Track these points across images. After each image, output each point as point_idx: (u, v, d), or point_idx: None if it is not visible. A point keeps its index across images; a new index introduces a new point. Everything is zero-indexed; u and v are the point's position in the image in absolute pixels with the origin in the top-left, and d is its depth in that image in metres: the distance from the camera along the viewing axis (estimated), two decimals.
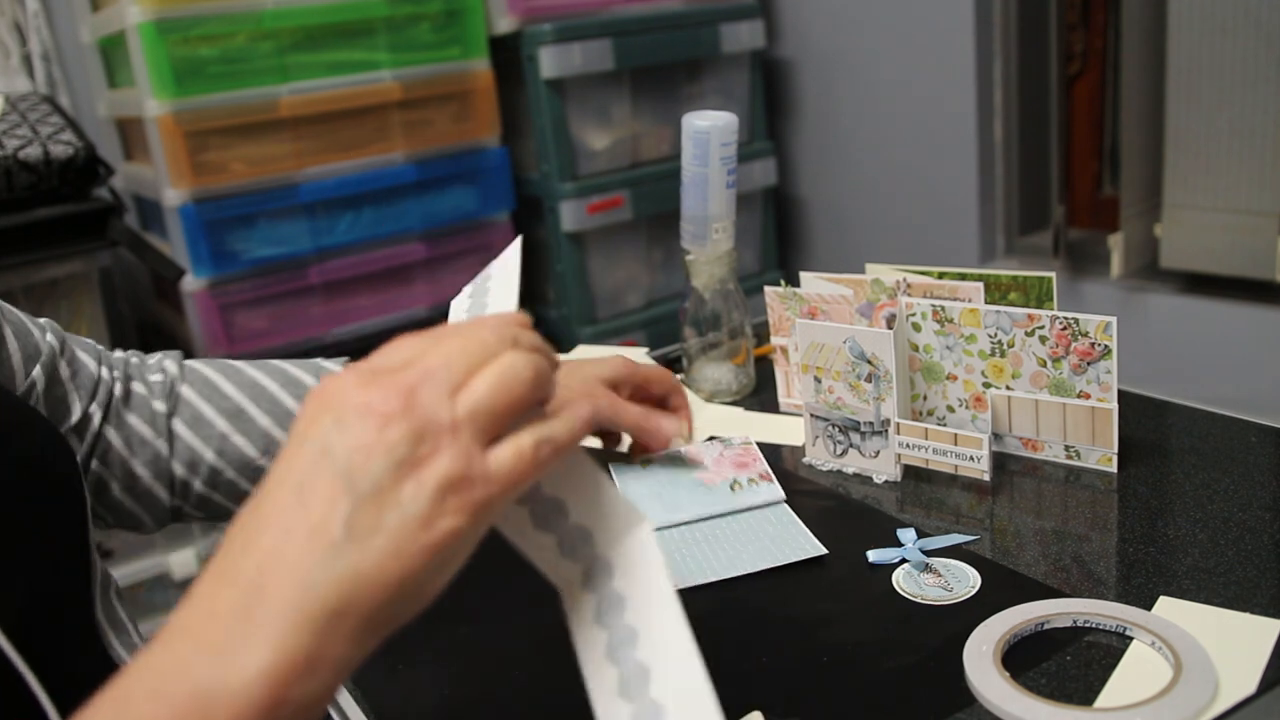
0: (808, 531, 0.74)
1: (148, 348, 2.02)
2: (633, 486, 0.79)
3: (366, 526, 0.37)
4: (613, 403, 0.77)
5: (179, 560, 1.61)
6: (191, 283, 1.62)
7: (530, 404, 0.42)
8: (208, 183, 1.60)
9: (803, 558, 0.70)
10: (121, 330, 1.94)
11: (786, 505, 0.77)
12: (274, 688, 0.35)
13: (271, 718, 0.35)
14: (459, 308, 0.63)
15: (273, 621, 0.36)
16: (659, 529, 0.75)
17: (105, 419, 0.68)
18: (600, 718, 0.45)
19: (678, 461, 0.83)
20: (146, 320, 1.95)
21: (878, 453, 0.84)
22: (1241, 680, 0.55)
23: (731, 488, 0.78)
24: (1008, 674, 0.57)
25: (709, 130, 0.96)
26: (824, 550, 0.70)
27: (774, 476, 0.78)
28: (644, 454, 0.84)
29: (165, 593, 1.63)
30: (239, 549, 0.38)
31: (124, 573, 1.59)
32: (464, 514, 0.39)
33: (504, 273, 0.60)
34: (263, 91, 1.62)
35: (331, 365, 0.77)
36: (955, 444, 0.80)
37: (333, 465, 0.38)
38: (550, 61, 1.79)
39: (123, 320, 1.96)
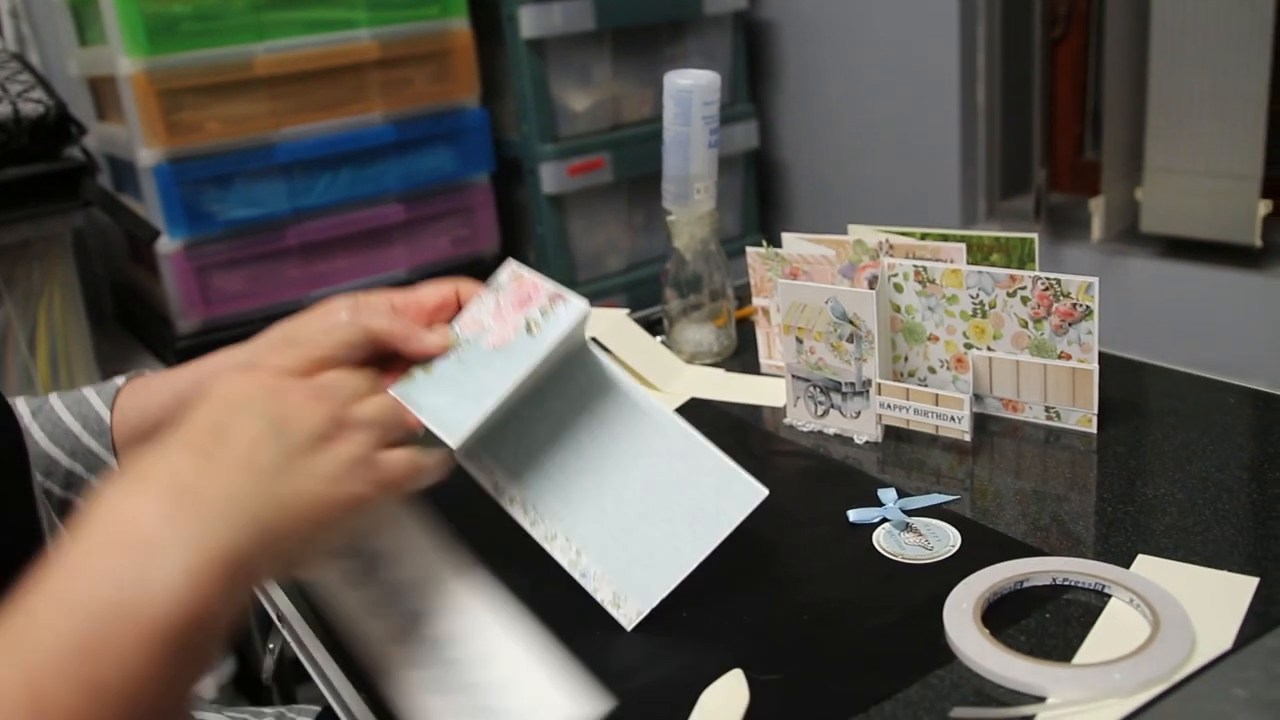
0: (732, 465, 0.64)
1: (124, 310, 1.98)
2: (427, 400, 0.64)
3: (289, 468, 0.43)
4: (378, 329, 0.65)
5: None
6: (166, 244, 1.60)
7: (401, 432, 0.51)
8: (182, 143, 1.58)
9: (748, 510, 0.62)
10: (96, 292, 1.92)
11: (683, 421, 0.65)
12: (198, 587, 0.37)
13: (192, 621, 0.36)
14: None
15: (199, 524, 0.38)
16: (479, 423, 0.61)
17: None
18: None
19: (461, 345, 0.66)
20: (121, 282, 1.93)
21: (859, 413, 0.84)
22: (1218, 636, 0.55)
23: (528, 330, 0.64)
24: (987, 631, 0.57)
25: (691, 89, 0.95)
26: (764, 491, 0.62)
27: (565, 290, 0.64)
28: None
29: None
30: (154, 467, 0.41)
31: None
32: (366, 486, 0.46)
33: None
34: (238, 50, 1.59)
35: (121, 380, 0.71)
36: (936, 404, 0.80)
37: (258, 418, 0.44)
38: (530, 21, 1.77)
39: (97, 282, 1.94)
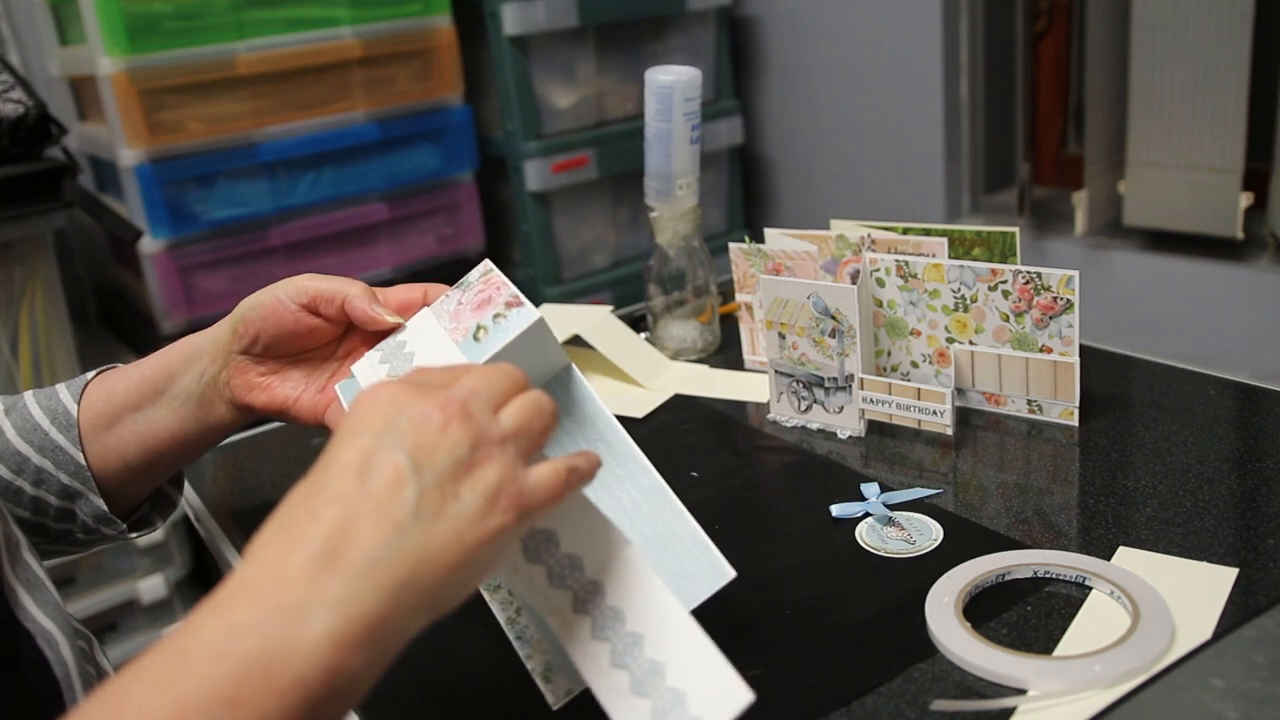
0: (704, 538, 0.55)
1: (108, 311, 1.97)
2: None
3: (431, 512, 0.42)
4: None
5: None
6: (149, 244, 1.59)
7: (550, 435, 0.48)
8: (164, 142, 1.57)
9: (711, 592, 0.54)
10: (79, 294, 1.91)
11: (659, 479, 0.57)
12: (340, 652, 0.38)
13: (331, 684, 0.38)
14: (367, 369, 0.62)
15: (344, 588, 0.39)
16: None
17: None
18: (617, 718, 0.46)
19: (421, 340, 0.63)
20: (105, 283, 1.92)
21: (842, 408, 0.84)
22: (1198, 627, 0.56)
23: (475, 337, 0.60)
24: (969, 624, 0.57)
25: (672, 85, 0.95)
26: (731, 573, 0.54)
27: (523, 298, 0.59)
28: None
29: (130, 559, 1.62)
30: (303, 519, 0.41)
31: None
32: (511, 514, 0.43)
33: (427, 335, 0.60)
34: (219, 48, 1.59)
35: (91, 374, 0.72)
36: (919, 399, 0.80)
37: (396, 456, 0.42)
38: (513, 18, 1.77)
39: (80, 284, 1.93)
